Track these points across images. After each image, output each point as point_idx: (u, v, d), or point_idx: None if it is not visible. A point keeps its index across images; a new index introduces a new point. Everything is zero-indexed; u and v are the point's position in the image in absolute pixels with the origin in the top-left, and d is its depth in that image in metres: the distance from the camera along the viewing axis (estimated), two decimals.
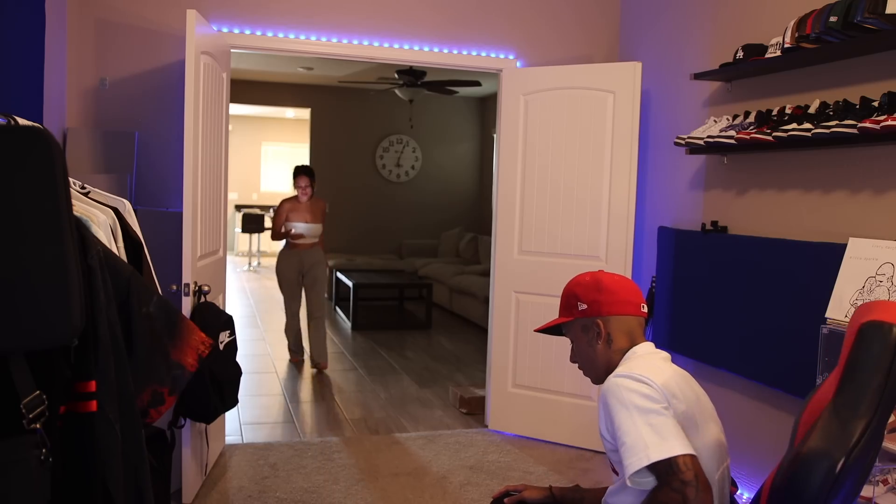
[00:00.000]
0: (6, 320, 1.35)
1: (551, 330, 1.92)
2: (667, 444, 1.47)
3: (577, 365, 1.86)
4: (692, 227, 3.71)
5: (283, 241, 5.81)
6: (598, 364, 1.79)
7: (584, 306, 1.77)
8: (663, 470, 1.46)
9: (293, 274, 5.69)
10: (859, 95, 2.69)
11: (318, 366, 5.72)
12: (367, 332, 7.28)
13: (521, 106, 4.20)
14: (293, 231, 5.56)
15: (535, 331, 1.92)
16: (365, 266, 8.90)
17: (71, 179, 1.65)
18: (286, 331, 5.93)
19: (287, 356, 6.16)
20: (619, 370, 1.64)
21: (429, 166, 10.44)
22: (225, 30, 3.86)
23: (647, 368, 1.61)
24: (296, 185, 5.64)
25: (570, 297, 1.81)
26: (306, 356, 5.95)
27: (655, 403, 1.52)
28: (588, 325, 1.78)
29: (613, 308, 1.76)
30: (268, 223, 12.59)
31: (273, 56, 6.50)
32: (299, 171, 5.67)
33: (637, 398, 1.53)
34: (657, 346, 4.05)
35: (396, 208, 10.19)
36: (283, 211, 5.66)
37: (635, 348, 1.75)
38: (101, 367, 1.59)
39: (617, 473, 1.67)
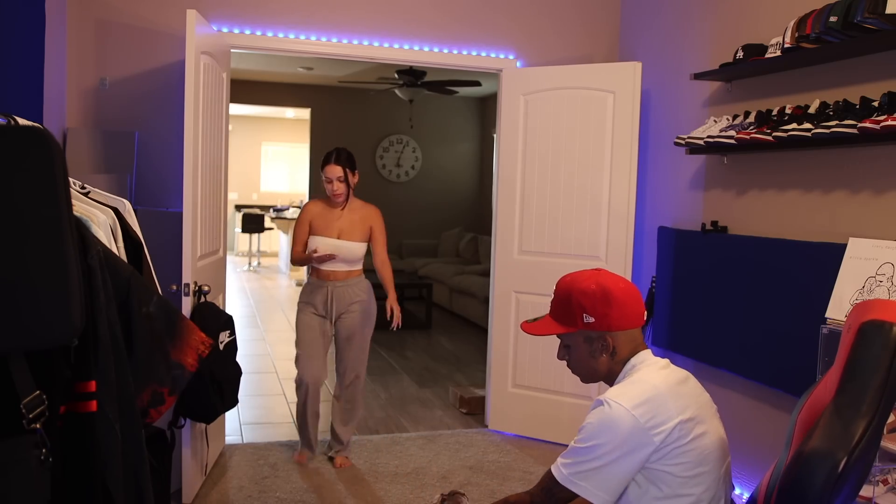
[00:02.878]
0: (6, 320, 1.35)
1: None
2: (579, 484, 1.57)
3: (565, 363, 1.82)
4: (692, 227, 3.71)
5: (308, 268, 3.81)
6: (597, 373, 1.76)
7: (592, 319, 1.70)
8: (548, 485, 1.61)
9: (313, 318, 3.62)
10: (859, 95, 2.69)
11: (333, 458, 3.73)
12: None
13: (521, 106, 4.20)
14: (315, 254, 3.54)
15: (525, 330, 1.84)
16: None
17: (71, 179, 1.65)
18: (298, 414, 3.74)
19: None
20: (619, 389, 1.64)
21: (429, 166, 10.44)
22: (225, 30, 3.86)
23: (648, 393, 1.60)
24: (325, 180, 3.61)
25: (575, 306, 1.71)
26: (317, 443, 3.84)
27: (616, 451, 1.55)
28: (593, 338, 1.72)
29: (624, 322, 1.70)
30: (268, 223, 12.57)
31: (273, 56, 6.50)
32: (328, 159, 3.61)
33: (610, 434, 1.56)
34: (657, 346, 4.06)
35: (396, 208, 10.18)
36: (305, 218, 3.64)
37: (633, 359, 1.72)
38: (101, 367, 1.59)
39: None
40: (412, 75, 7.52)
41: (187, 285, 3.08)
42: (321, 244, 3.58)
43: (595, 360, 1.73)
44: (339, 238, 3.63)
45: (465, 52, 4.27)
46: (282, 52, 4.07)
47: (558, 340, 1.81)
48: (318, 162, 3.65)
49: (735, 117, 3.32)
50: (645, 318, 1.77)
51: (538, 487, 1.66)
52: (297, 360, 3.65)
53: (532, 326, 1.81)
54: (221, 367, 2.90)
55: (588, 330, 1.71)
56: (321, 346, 3.65)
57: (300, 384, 3.64)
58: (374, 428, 4.37)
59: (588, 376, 1.78)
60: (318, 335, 3.63)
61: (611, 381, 1.75)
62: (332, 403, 3.78)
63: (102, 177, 3.42)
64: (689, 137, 3.41)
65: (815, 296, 2.75)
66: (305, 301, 3.67)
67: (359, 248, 3.67)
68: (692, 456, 1.58)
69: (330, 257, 3.55)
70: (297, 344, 3.65)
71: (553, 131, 4.10)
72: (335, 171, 3.59)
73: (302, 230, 3.67)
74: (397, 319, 3.70)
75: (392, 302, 3.72)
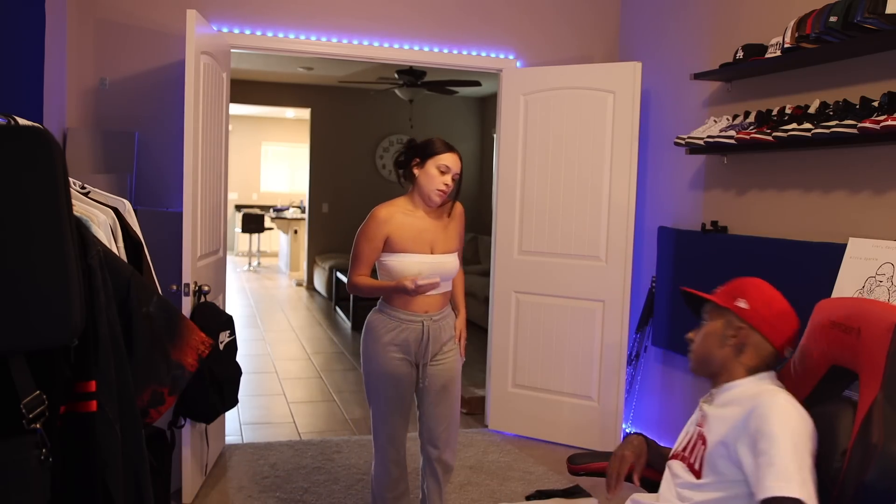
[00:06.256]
0: (6, 320, 1.35)
1: (693, 299, 1.85)
2: (806, 488, 1.46)
3: (690, 343, 1.80)
4: (692, 227, 3.71)
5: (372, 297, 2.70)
6: (713, 361, 1.74)
7: (746, 306, 1.70)
8: None
9: (403, 366, 2.65)
10: (859, 95, 2.69)
11: None
12: None
13: (521, 106, 4.20)
14: (419, 285, 2.46)
15: (683, 288, 1.86)
16: None
17: (71, 179, 1.65)
18: (377, 484, 2.75)
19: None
20: (780, 391, 1.61)
21: None
22: (225, 30, 3.86)
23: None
24: (438, 169, 2.61)
25: (739, 289, 1.74)
26: None
27: (809, 445, 1.52)
28: (734, 325, 1.71)
29: (771, 331, 1.69)
30: (268, 223, 12.57)
31: (273, 56, 6.50)
32: (440, 146, 2.63)
33: (801, 431, 1.52)
34: (657, 346, 4.04)
35: None
36: (379, 231, 2.60)
37: (761, 375, 1.70)
38: (101, 367, 1.59)
39: (698, 475, 1.67)
40: (412, 75, 7.52)
41: (187, 285, 3.08)
42: (413, 265, 2.58)
43: (719, 348, 1.72)
44: (432, 253, 2.64)
45: (465, 52, 4.27)
46: (282, 52, 4.07)
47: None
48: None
49: (735, 117, 3.32)
50: (787, 353, 1.73)
51: None
52: (378, 421, 2.69)
53: (693, 290, 1.84)
54: (221, 367, 2.91)
55: (735, 314, 1.70)
56: (411, 403, 2.73)
57: (385, 453, 2.70)
58: None
59: (701, 362, 1.77)
60: (408, 388, 2.68)
61: (718, 379, 1.74)
62: (425, 490, 2.83)
63: (102, 177, 3.42)
64: (689, 137, 3.42)
65: (815, 296, 2.74)
66: (390, 341, 2.62)
67: (456, 264, 2.72)
68: None
69: (434, 285, 2.53)
70: (379, 400, 2.67)
71: (553, 131, 4.10)
72: (456, 162, 2.63)
73: (373, 247, 2.60)
74: (461, 349, 2.84)
75: (461, 324, 2.84)
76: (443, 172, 2.60)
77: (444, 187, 2.61)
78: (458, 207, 2.79)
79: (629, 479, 1.90)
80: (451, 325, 2.77)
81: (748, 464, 1.54)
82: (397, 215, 2.63)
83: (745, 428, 1.57)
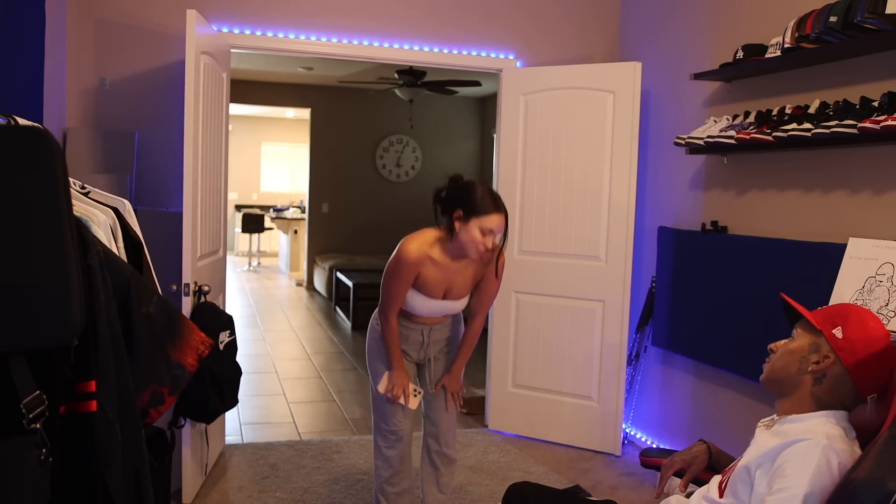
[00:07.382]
0: (6, 320, 1.35)
1: (791, 310, 1.74)
2: None
3: (770, 354, 1.71)
4: (692, 227, 3.71)
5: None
6: (786, 382, 1.65)
7: (840, 336, 1.57)
8: None
9: (407, 365, 2.83)
10: (859, 95, 2.69)
11: None
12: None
13: (521, 106, 4.20)
14: (391, 394, 2.73)
15: (783, 295, 1.75)
16: (365, 266, 8.89)
17: (71, 179, 1.65)
18: (379, 479, 2.81)
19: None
20: (826, 441, 1.49)
21: (429, 166, 10.44)
22: (225, 30, 3.86)
23: (845, 457, 1.50)
24: (480, 231, 2.52)
25: (841, 315, 1.61)
26: None
27: (819, 498, 1.44)
28: (820, 349, 1.59)
29: (857, 371, 1.56)
30: (268, 223, 12.57)
31: (273, 56, 6.50)
32: (485, 205, 2.52)
33: (818, 481, 1.44)
34: (657, 346, 4.03)
35: (396, 208, 10.18)
36: (410, 274, 2.62)
37: (833, 414, 1.58)
38: (101, 367, 1.59)
39: (721, 494, 1.66)
40: (412, 75, 7.52)
41: (187, 285, 3.08)
42: (420, 305, 2.68)
43: (797, 372, 1.62)
44: (444, 298, 2.70)
45: (465, 52, 4.27)
46: (282, 52, 4.07)
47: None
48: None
49: (735, 117, 3.32)
50: (871, 399, 1.61)
51: None
52: (379, 417, 2.79)
53: (793, 301, 1.73)
54: (221, 367, 2.91)
55: (827, 340, 1.59)
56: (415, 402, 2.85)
57: (393, 445, 2.76)
58: None
59: (773, 378, 1.68)
60: (411, 391, 2.81)
61: (785, 403, 1.66)
62: (421, 481, 2.94)
63: (102, 177, 3.42)
64: (689, 137, 3.42)
65: (815, 296, 2.74)
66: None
67: (462, 306, 2.81)
68: None
69: (406, 398, 2.73)
70: (381, 395, 2.75)
71: (553, 131, 4.10)
72: (502, 224, 2.54)
73: (405, 287, 2.64)
74: (453, 400, 2.85)
75: (450, 380, 2.84)
76: (485, 234, 2.52)
77: (483, 249, 2.54)
78: (502, 259, 2.74)
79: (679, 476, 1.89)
80: (455, 331, 2.90)
81: (757, 493, 1.51)
82: (427, 262, 2.63)
83: (772, 458, 1.52)
